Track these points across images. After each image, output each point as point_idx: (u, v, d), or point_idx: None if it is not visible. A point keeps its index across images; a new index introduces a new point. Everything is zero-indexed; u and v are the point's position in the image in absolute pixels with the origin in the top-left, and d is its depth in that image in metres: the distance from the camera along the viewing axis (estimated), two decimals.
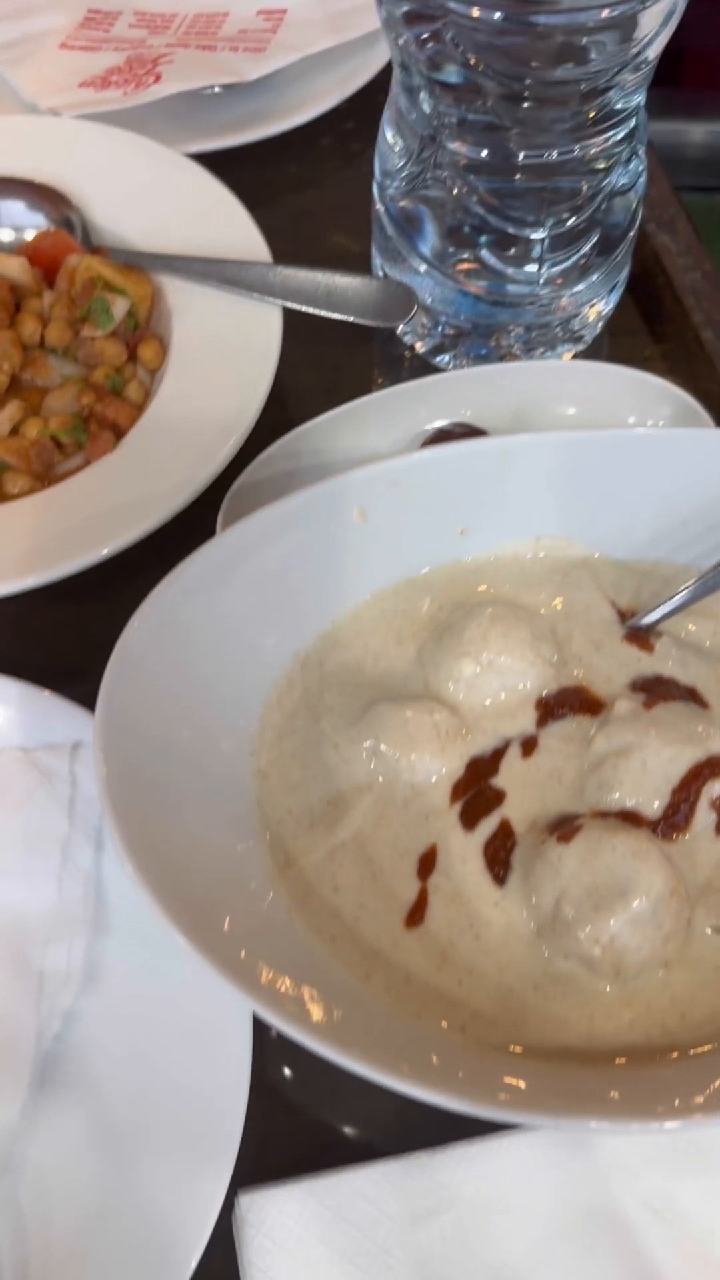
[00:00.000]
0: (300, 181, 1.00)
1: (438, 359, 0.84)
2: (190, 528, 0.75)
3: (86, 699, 0.67)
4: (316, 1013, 0.47)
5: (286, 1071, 0.60)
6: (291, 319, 0.79)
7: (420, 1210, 0.55)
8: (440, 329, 0.82)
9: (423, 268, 0.78)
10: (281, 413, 0.81)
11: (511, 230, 0.73)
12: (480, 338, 0.81)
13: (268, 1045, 0.60)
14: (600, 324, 0.86)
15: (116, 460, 0.74)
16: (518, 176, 0.73)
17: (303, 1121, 0.60)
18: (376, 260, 0.84)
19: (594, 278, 0.79)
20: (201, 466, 0.72)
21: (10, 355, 0.77)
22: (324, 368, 0.85)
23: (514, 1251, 0.55)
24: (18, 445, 0.74)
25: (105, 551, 0.68)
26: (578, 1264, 0.54)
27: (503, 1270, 0.54)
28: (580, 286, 0.78)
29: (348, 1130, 0.59)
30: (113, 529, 0.69)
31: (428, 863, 0.56)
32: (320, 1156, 0.57)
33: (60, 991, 0.61)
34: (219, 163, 0.89)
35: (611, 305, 0.86)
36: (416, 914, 0.55)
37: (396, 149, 0.75)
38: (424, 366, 0.85)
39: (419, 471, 0.62)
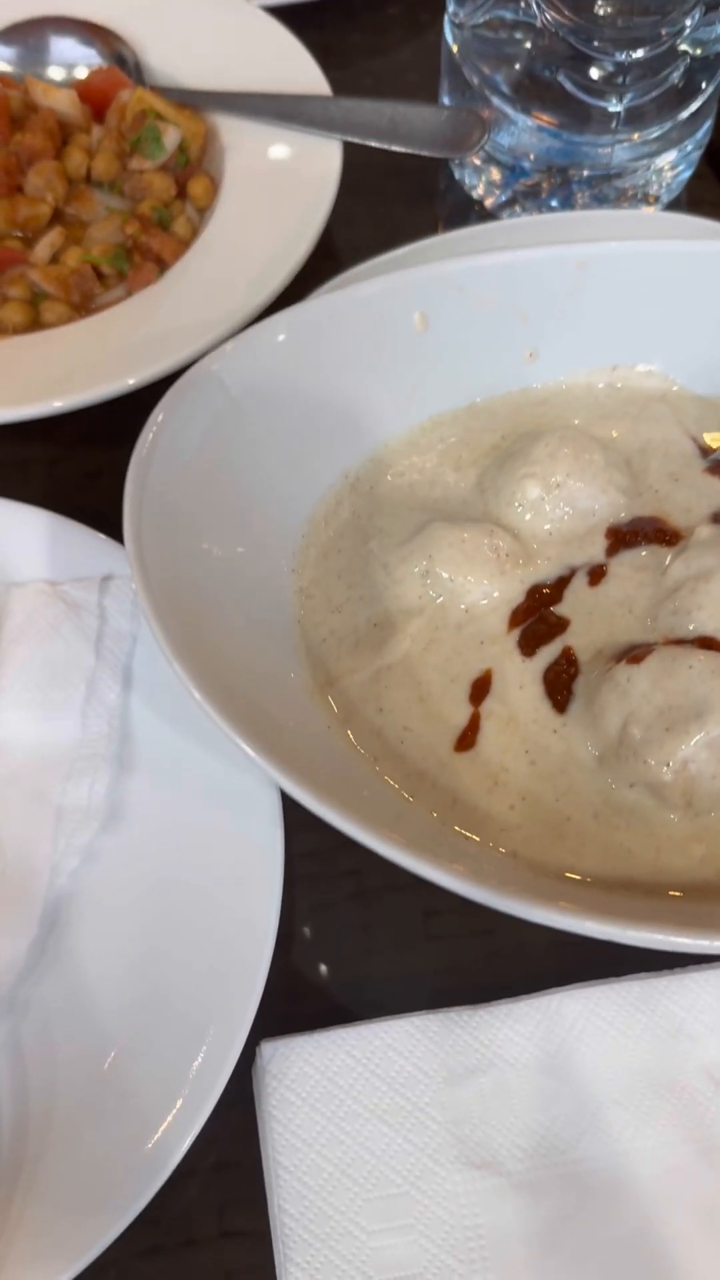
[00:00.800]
0: (365, 50, 0.95)
1: (505, 215, 0.79)
2: None
3: (120, 539, 0.63)
4: (365, 810, 0.42)
5: (317, 925, 0.56)
6: (349, 175, 0.74)
7: (459, 1068, 0.50)
8: (511, 179, 0.76)
9: (497, 102, 0.72)
10: (335, 268, 0.76)
11: (591, 56, 0.68)
12: (552, 191, 0.76)
13: (299, 897, 0.56)
14: (678, 188, 0.80)
15: (158, 292, 0.69)
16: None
17: (332, 978, 0.55)
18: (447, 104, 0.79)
19: (670, 125, 0.74)
20: (246, 301, 0.67)
21: (55, 186, 0.73)
22: (383, 224, 0.80)
23: (560, 1116, 0.49)
24: (57, 273, 0.70)
25: (132, 381, 0.64)
26: (631, 1132, 0.49)
27: (548, 1135, 0.49)
28: (656, 130, 0.73)
29: (379, 988, 0.54)
30: (145, 359, 0.65)
31: (481, 687, 0.51)
32: (349, 1014, 0.52)
33: (79, 828, 0.57)
34: None
35: (689, 172, 0.80)
36: (467, 738, 0.50)
37: None
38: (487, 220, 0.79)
39: (487, 277, 0.57)
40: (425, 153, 0.72)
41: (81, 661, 0.61)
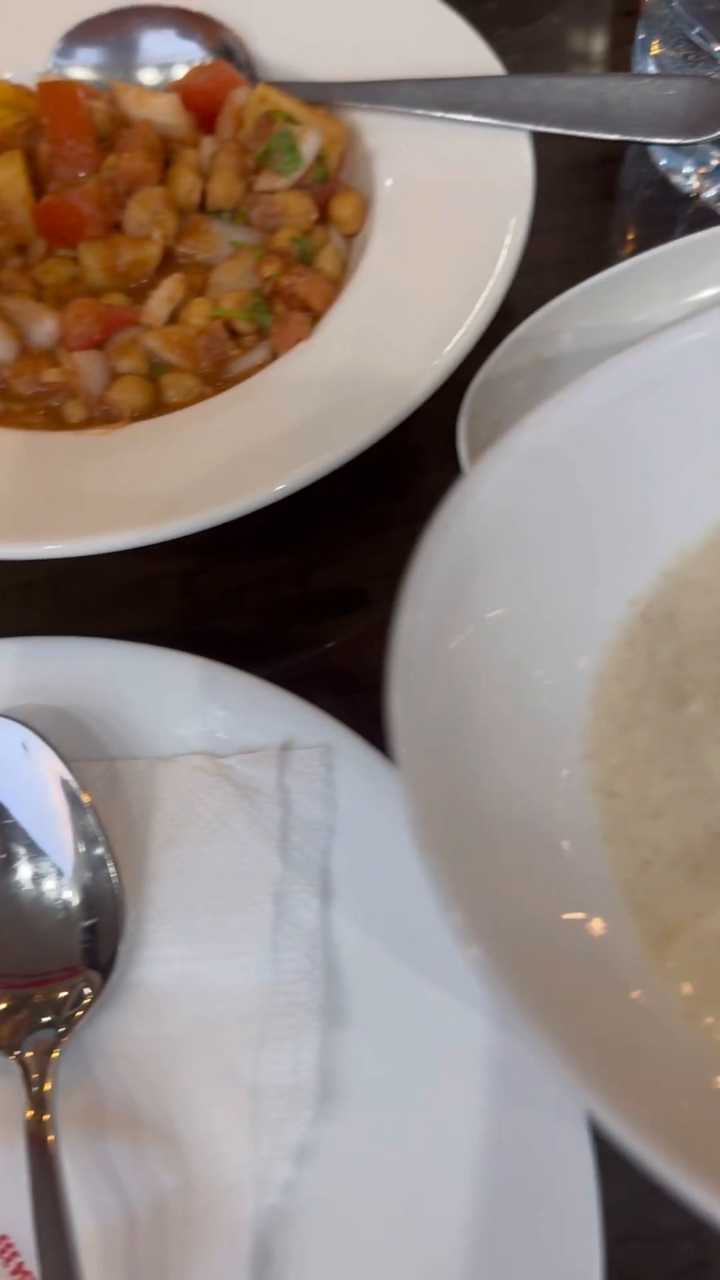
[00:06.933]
0: (505, 17, 0.78)
1: None
2: (417, 448, 0.55)
3: (283, 681, 0.47)
4: None
5: None
6: None
7: None
8: None
9: None
10: (519, 294, 0.59)
11: None
12: None
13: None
14: None
15: (313, 353, 0.53)
16: None
17: None
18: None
19: None
20: (428, 359, 0.51)
21: (163, 220, 0.56)
22: (572, 235, 0.64)
23: None
24: (180, 336, 0.53)
25: (303, 475, 0.48)
26: None
27: None
28: None
29: None
30: (311, 449, 0.49)
31: None
32: None
33: (287, 1118, 0.41)
34: None
35: None
36: None
37: None
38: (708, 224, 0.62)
39: None
40: (653, 140, 0.55)
41: (264, 869, 0.45)
